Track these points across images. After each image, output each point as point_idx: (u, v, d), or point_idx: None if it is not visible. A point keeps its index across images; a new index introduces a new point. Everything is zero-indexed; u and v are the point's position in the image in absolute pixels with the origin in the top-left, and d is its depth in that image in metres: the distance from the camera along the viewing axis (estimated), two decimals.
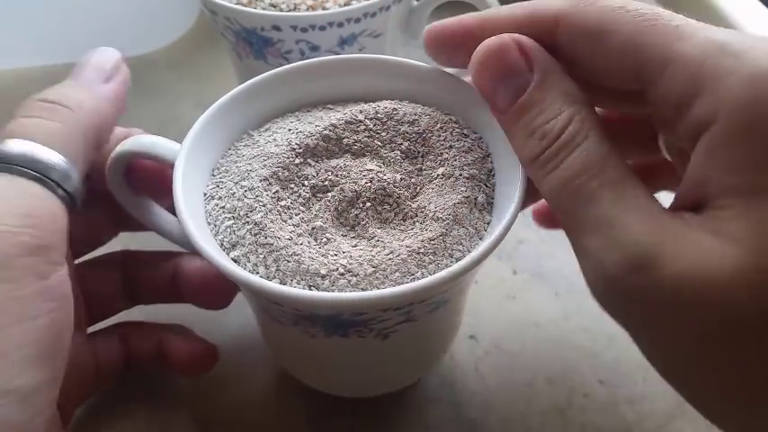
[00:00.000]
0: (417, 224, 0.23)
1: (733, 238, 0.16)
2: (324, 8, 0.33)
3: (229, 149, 0.26)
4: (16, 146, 0.20)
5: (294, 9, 0.33)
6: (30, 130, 0.21)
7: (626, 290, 0.18)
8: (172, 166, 0.23)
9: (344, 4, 0.33)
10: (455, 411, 0.29)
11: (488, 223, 0.24)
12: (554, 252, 0.35)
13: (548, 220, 0.30)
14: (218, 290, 0.27)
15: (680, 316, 0.17)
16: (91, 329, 0.27)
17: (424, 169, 0.25)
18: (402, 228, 0.23)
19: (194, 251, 0.27)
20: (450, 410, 0.29)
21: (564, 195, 0.19)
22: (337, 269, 0.22)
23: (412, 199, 0.24)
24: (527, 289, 0.34)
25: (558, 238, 0.36)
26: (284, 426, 0.29)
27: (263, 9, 0.33)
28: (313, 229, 0.23)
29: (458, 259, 0.22)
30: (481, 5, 0.36)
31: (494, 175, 0.25)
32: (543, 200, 0.25)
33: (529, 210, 0.37)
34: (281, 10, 0.33)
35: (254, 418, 0.29)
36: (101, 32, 0.46)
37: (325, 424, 0.29)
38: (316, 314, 0.22)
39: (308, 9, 0.33)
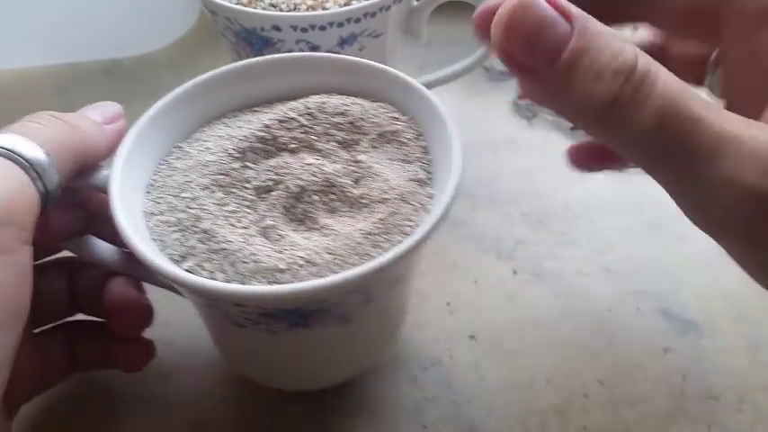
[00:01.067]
0: (365, 209, 0.24)
1: None
2: (324, 8, 0.33)
3: (160, 165, 0.26)
4: (11, 137, 0.22)
5: (294, 9, 0.33)
6: (28, 130, 0.23)
7: None
8: (103, 190, 0.24)
9: (344, 4, 0.33)
10: (455, 411, 0.29)
11: (431, 197, 0.24)
12: (554, 252, 0.35)
13: (592, 157, 0.28)
14: (130, 316, 0.27)
15: None
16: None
17: (361, 155, 0.25)
18: (351, 214, 0.24)
19: (134, 274, 0.27)
20: (450, 410, 0.29)
21: (671, 123, 0.18)
22: (296, 261, 0.22)
23: (355, 186, 0.25)
24: (527, 289, 0.34)
25: (558, 237, 0.36)
26: (284, 425, 0.29)
27: (263, 9, 0.33)
28: (264, 228, 0.23)
29: (409, 234, 0.23)
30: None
31: (428, 152, 0.26)
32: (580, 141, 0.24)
33: (528, 210, 0.37)
34: (281, 10, 0.33)
35: (253, 418, 0.29)
36: (101, 32, 0.46)
37: (324, 423, 0.29)
38: (280, 309, 0.22)
39: (308, 9, 0.33)
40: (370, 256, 0.22)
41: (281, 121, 0.26)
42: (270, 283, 0.22)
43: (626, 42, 0.19)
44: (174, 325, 0.32)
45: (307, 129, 0.26)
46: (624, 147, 0.19)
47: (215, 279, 0.22)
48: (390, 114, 0.27)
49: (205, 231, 0.23)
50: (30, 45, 0.46)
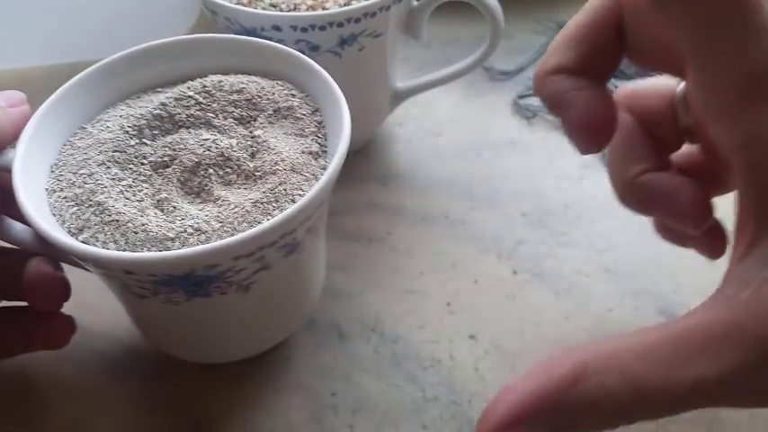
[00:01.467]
0: (259, 180, 0.25)
1: None
2: (324, 8, 0.33)
3: (65, 145, 0.27)
4: None
5: (294, 9, 0.33)
6: None
7: None
8: (9, 170, 0.25)
9: (344, 4, 0.33)
10: (455, 411, 0.29)
11: (324, 168, 0.26)
12: (554, 252, 0.35)
13: (673, 233, 0.29)
14: (48, 290, 0.27)
15: None
16: None
17: (257, 130, 0.27)
18: (246, 186, 0.25)
19: (47, 253, 0.27)
20: (449, 410, 0.29)
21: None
22: (185, 230, 0.23)
23: (252, 159, 0.26)
24: (527, 289, 0.34)
25: (558, 237, 0.36)
26: (284, 425, 0.29)
27: (263, 9, 0.33)
28: (158, 201, 0.25)
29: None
30: (481, 6, 0.36)
31: (324, 127, 0.27)
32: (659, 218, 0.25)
33: (528, 210, 0.37)
34: (281, 10, 0.33)
35: (254, 419, 0.29)
36: (101, 32, 0.46)
37: (324, 423, 0.29)
38: (172, 276, 0.23)
39: (308, 9, 0.33)
40: (258, 223, 0.23)
41: (177, 99, 0.27)
42: (159, 251, 0.23)
43: None
44: None
45: (203, 106, 0.27)
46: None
47: (107, 249, 0.23)
48: (287, 91, 0.28)
49: (99, 204, 0.24)
50: (30, 45, 0.46)
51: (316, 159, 0.26)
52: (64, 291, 0.27)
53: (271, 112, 0.27)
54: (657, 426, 0.28)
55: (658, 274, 0.34)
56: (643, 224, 0.37)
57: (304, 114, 0.27)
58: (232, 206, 0.24)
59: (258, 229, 0.22)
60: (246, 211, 0.24)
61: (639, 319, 0.32)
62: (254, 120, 0.27)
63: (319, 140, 0.27)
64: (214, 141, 0.26)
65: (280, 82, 0.29)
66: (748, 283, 0.18)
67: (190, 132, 0.26)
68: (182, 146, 0.26)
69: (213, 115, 0.27)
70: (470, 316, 0.32)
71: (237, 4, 0.34)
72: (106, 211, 0.24)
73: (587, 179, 0.39)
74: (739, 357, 0.17)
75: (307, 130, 0.27)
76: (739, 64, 0.18)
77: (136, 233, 0.23)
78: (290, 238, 0.24)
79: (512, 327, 0.32)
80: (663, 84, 0.26)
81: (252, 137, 0.27)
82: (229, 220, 0.23)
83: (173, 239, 0.23)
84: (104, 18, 0.46)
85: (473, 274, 0.34)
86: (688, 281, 0.33)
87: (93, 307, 0.33)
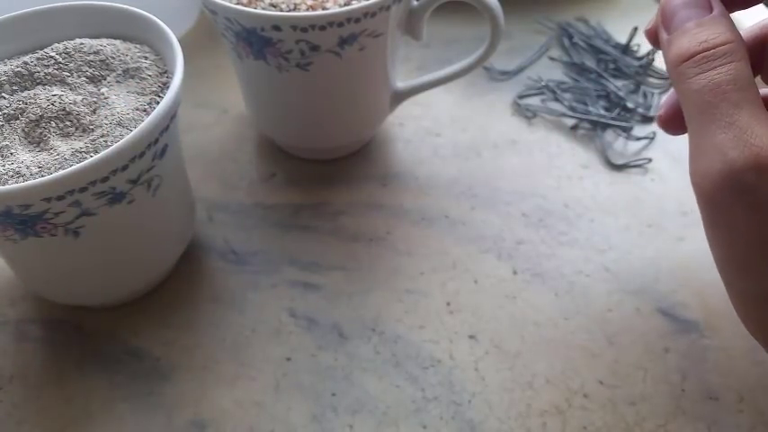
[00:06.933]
0: (92, 133, 0.27)
1: None
2: (324, 8, 0.33)
3: None
4: None
5: (294, 9, 0.33)
6: None
7: (739, 182, 0.21)
8: None
9: (344, 4, 0.33)
10: (455, 411, 0.29)
11: None
12: (554, 252, 0.35)
13: (673, 124, 0.31)
14: None
15: None
16: None
17: (103, 88, 0.29)
18: (81, 138, 0.27)
19: None
20: (449, 410, 0.29)
21: (710, 95, 0.22)
22: (7, 173, 0.25)
23: (92, 114, 0.28)
24: (527, 289, 0.34)
25: (558, 237, 0.36)
26: (285, 426, 0.29)
27: (263, 9, 0.33)
28: (0, 148, 0.27)
29: None
30: (481, 6, 0.36)
31: (167, 88, 0.29)
32: (670, 109, 0.28)
33: (529, 210, 0.37)
34: (281, 10, 0.33)
35: (254, 420, 0.29)
36: None
37: (324, 424, 0.29)
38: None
39: (308, 9, 0.33)
40: None
41: (39, 59, 0.30)
42: None
43: (737, 37, 0.23)
44: (174, 325, 0.32)
45: (61, 65, 0.30)
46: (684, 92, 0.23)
47: None
48: (141, 54, 0.31)
49: None
50: None
51: (148, 116, 0.27)
52: None
53: (120, 72, 0.30)
54: (658, 426, 0.28)
55: (658, 274, 0.34)
56: (643, 224, 0.37)
57: (150, 75, 0.30)
58: (55, 154, 0.26)
59: (58, 174, 0.24)
60: (65, 158, 0.26)
61: (639, 319, 0.32)
62: (104, 78, 0.29)
63: (159, 100, 0.29)
64: (59, 97, 0.28)
65: (138, 45, 0.31)
66: None
67: (45, 89, 0.29)
68: (32, 100, 0.28)
69: (68, 74, 0.29)
70: (470, 316, 0.32)
71: (237, 3, 0.34)
72: None
73: (587, 179, 0.39)
74: None
75: (148, 89, 0.29)
76: None
77: None
78: (105, 186, 0.25)
79: (512, 327, 0.32)
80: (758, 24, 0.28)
81: (99, 94, 0.29)
82: (48, 166, 0.25)
83: None
84: None
85: (473, 274, 0.34)
86: (688, 281, 0.33)
87: (93, 307, 0.33)
